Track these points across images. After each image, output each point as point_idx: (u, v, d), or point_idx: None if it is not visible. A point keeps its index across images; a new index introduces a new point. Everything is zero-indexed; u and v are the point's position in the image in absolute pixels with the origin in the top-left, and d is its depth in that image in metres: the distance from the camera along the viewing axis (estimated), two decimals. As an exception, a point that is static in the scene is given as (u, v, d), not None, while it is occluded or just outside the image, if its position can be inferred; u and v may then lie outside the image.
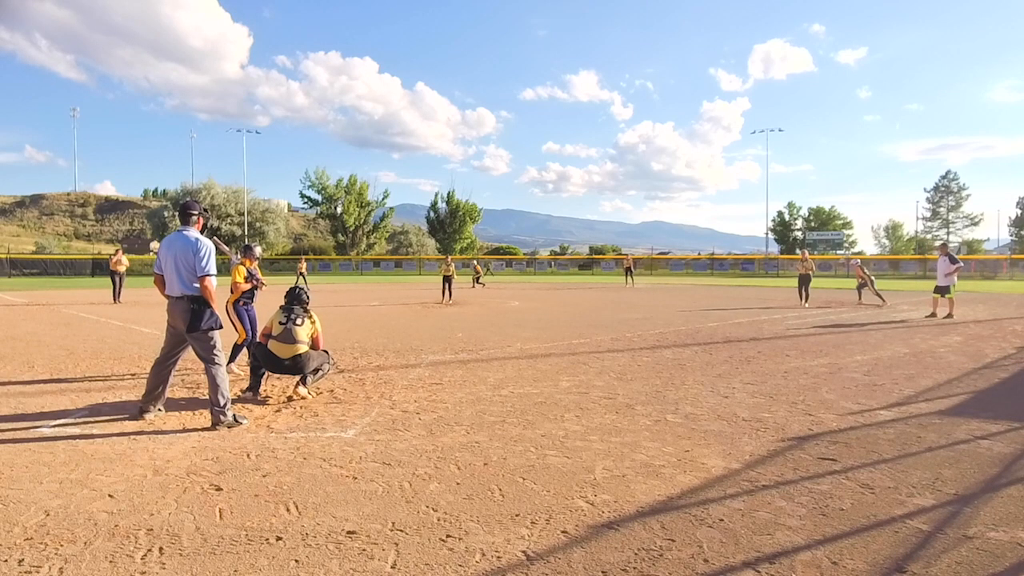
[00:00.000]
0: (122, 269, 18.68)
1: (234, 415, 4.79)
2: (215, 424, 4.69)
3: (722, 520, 3.03)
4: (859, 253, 66.11)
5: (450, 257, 21.67)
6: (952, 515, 3.08)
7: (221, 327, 4.89)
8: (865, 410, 5.25)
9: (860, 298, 18.35)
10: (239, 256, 7.22)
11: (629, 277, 31.08)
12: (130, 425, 4.76)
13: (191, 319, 4.74)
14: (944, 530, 2.91)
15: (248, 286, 7.06)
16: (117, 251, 19.68)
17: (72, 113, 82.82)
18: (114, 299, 18.14)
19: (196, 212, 4.96)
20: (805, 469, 3.77)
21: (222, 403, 4.71)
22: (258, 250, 7.52)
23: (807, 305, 16.48)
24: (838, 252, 65.72)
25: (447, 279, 19.50)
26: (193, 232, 4.89)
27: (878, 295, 17.72)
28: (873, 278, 18.42)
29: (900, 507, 3.18)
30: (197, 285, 4.77)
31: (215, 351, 4.81)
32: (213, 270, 4.84)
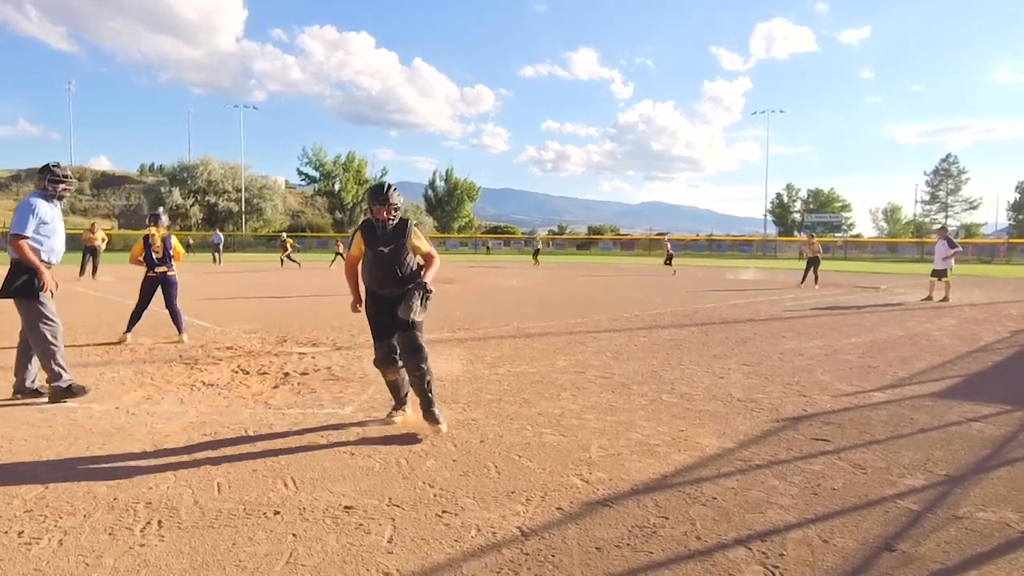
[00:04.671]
0: (97, 243, 17.91)
1: (70, 384, 4.67)
2: (49, 397, 4.63)
3: (715, 498, 3.06)
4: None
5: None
6: (942, 495, 3.12)
7: (36, 296, 4.57)
8: (859, 392, 5.29)
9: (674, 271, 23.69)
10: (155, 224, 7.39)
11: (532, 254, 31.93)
12: (128, 400, 4.78)
13: (4, 283, 4.54)
14: (934, 510, 2.95)
15: (136, 264, 7.34)
16: (92, 225, 18.88)
17: (68, 87, 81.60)
18: (80, 273, 17.43)
19: (45, 177, 4.74)
20: (798, 449, 3.80)
21: (48, 372, 4.60)
22: (165, 218, 7.61)
23: (816, 287, 16.53)
24: (836, 235, 65.72)
25: None
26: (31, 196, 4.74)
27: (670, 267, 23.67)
28: (672, 254, 24.46)
29: (891, 487, 3.22)
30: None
31: (39, 318, 4.57)
32: (23, 231, 4.54)
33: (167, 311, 7.44)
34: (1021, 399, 5.08)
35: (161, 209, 7.92)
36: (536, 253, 31.01)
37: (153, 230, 7.29)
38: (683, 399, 4.99)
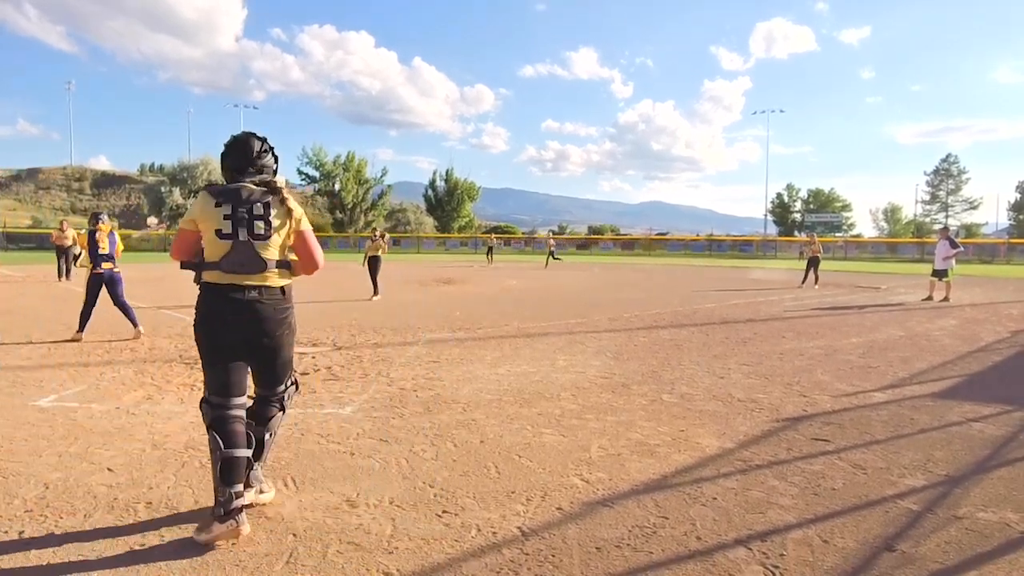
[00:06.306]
0: (68, 243, 16.67)
1: None
2: None
3: (715, 498, 3.06)
4: (861, 236, 65.98)
5: (381, 230, 15.54)
6: (942, 495, 3.12)
7: None
8: (859, 392, 5.29)
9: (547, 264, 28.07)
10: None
11: (490, 255, 33.23)
12: (128, 399, 4.78)
13: None
14: (934, 510, 2.95)
15: (80, 250, 7.90)
16: (62, 223, 17.52)
17: (68, 87, 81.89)
18: (59, 276, 16.58)
19: None
20: (798, 449, 3.80)
21: None
22: (104, 216, 7.98)
23: (817, 287, 16.60)
24: (836, 235, 65.74)
25: (374, 261, 13.70)
26: None
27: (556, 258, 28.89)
28: (553, 250, 30.38)
29: (891, 487, 3.22)
30: None
31: None
32: None
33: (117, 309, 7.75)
34: (1021, 399, 5.08)
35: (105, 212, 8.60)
36: (490, 251, 33.37)
37: (101, 226, 7.65)
38: (683, 399, 4.99)
